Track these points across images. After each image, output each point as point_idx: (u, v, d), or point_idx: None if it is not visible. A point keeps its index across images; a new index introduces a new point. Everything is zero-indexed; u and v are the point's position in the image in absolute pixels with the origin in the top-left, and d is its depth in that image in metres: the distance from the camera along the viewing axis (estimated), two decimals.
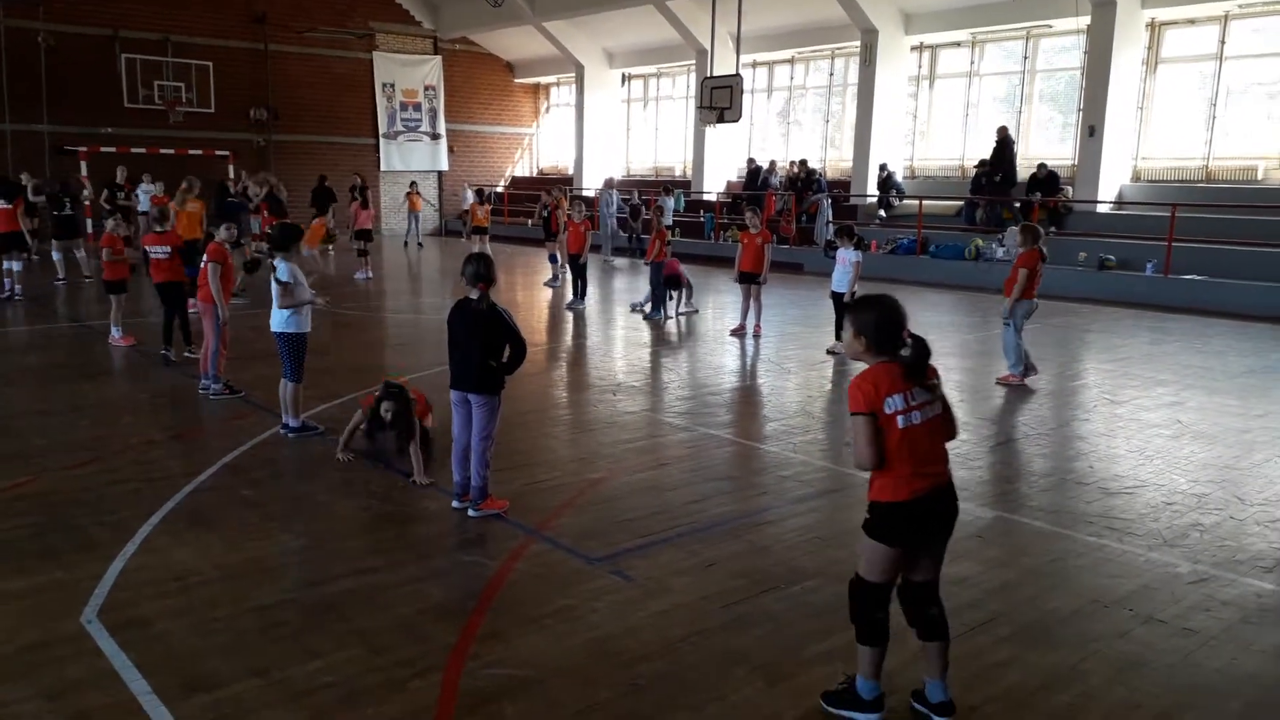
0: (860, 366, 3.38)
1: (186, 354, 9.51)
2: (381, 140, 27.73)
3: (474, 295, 5.22)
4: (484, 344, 5.19)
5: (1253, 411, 8.01)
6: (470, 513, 5.32)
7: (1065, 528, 5.29)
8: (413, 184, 24.87)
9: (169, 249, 9.37)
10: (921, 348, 3.24)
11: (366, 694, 3.53)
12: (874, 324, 3.26)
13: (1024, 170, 18.96)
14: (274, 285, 6.78)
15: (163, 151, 22.72)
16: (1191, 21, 17.32)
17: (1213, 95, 17.19)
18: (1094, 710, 3.49)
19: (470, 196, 23.50)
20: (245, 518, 5.32)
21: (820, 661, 3.79)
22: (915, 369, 3.23)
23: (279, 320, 6.83)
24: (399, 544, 4.96)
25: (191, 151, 23.24)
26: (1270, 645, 3.96)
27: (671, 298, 13.02)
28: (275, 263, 6.87)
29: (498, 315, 5.20)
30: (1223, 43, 16.96)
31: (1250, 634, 4.05)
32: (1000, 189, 18.56)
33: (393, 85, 27.73)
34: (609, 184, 23.46)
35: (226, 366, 8.24)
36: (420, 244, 24.14)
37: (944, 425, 3.33)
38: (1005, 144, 18.51)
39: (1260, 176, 16.62)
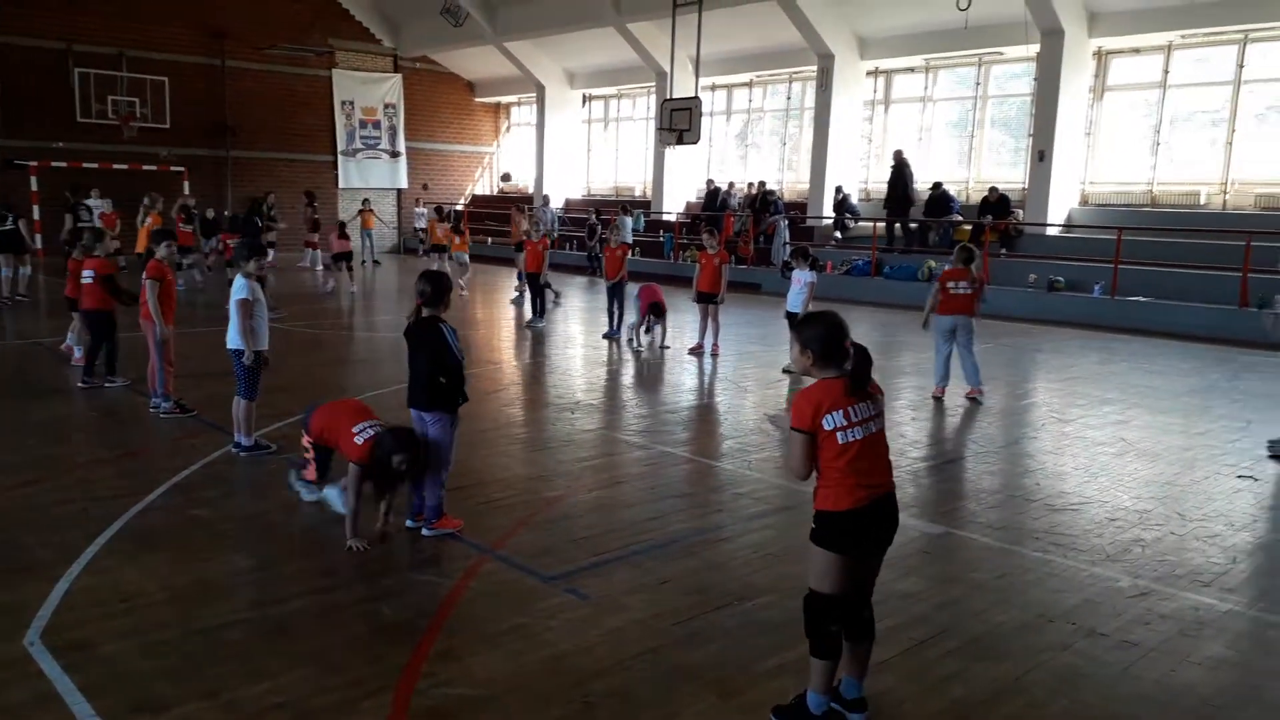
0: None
1: (106, 382, 8.94)
2: (340, 158, 27.60)
3: (426, 313, 5.24)
4: (428, 360, 5.19)
5: (1194, 429, 8.22)
6: (424, 532, 5.31)
7: (1012, 544, 5.40)
8: (365, 201, 24.79)
9: (93, 274, 8.72)
10: (862, 358, 3.34)
11: (318, 715, 3.51)
12: (818, 338, 3.36)
13: (975, 194, 19.37)
14: (231, 304, 6.73)
15: (116, 167, 22.42)
16: (1136, 51, 17.84)
17: (1157, 122, 17.70)
18: None
19: (424, 216, 23.65)
20: (195, 538, 5.26)
21: (771, 676, 3.83)
22: (858, 380, 3.32)
23: (235, 337, 6.77)
24: (352, 563, 4.93)
25: (145, 167, 22.96)
26: (1206, 657, 4.07)
27: (650, 325, 12.21)
28: (235, 281, 6.83)
29: (436, 330, 5.17)
30: (1166, 72, 17.48)
31: (1188, 646, 4.16)
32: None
33: (352, 103, 27.64)
34: (545, 202, 23.78)
35: (176, 384, 8.14)
36: (377, 261, 24.00)
37: (882, 437, 3.42)
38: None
39: (1203, 201, 17.12)
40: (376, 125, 28.27)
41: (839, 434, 3.28)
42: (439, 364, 5.17)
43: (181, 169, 23.39)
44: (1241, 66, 16.60)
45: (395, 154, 28.74)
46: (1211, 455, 7.38)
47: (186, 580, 4.67)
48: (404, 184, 28.97)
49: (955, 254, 9.42)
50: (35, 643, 3.96)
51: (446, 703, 3.61)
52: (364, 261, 23.90)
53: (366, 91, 27.92)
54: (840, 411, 3.29)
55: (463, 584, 4.69)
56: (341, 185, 27.65)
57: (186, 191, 22.48)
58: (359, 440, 5.10)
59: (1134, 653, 4.10)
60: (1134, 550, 5.31)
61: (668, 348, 12.09)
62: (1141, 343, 13.25)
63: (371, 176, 28.25)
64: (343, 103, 27.47)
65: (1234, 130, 16.85)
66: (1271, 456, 7.32)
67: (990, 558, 5.20)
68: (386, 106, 28.39)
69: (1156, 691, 3.79)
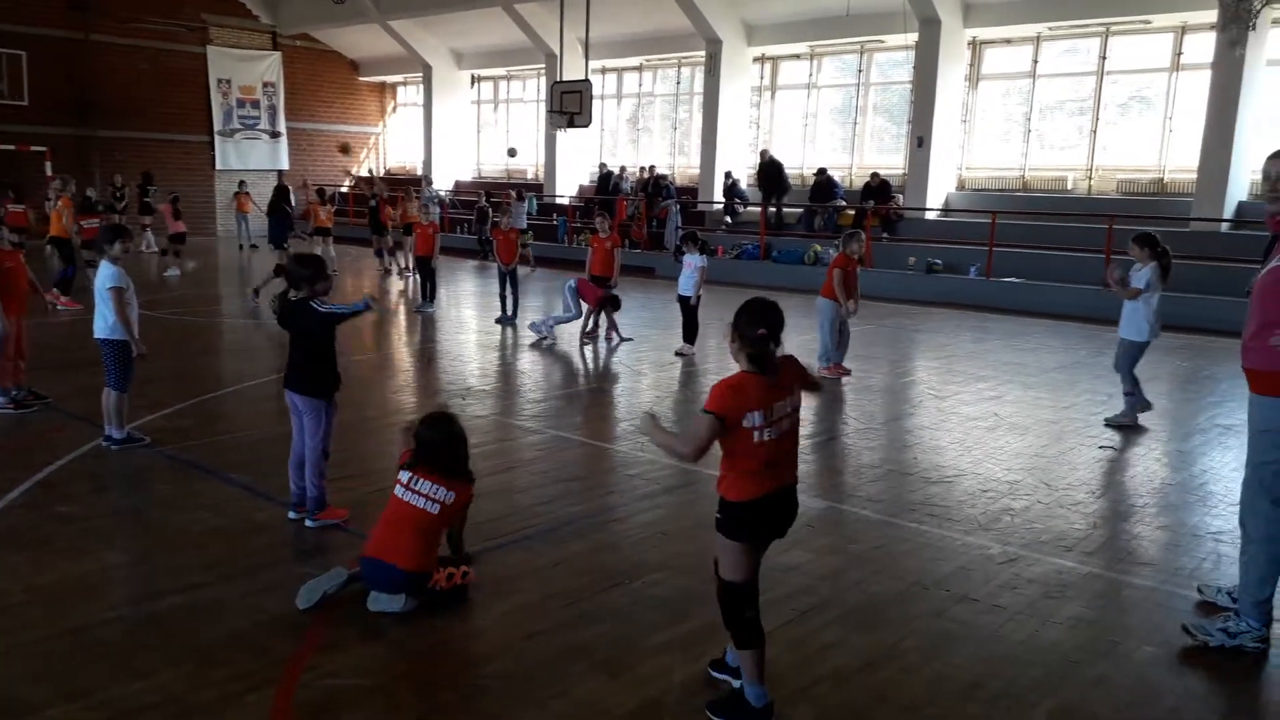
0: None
1: None
2: (217, 138, 26.53)
3: (300, 294, 5.08)
4: (304, 344, 5.08)
5: (1061, 404, 8.67)
6: (307, 523, 5.19)
7: (891, 516, 5.61)
8: (241, 184, 23.96)
9: None
10: (768, 355, 3.29)
11: (198, 711, 3.41)
12: (747, 325, 3.30)
13: (858, 179, 19.90)
14: (99, 291, 6.42)
15: None
16: (1008, 41, 18.59)
17: (1028, 110, 18.49)
18: (913, 684, 3.73)
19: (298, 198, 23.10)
20: (63, 536, 5.02)
21: (660, 652, 3.90)
22: (767, 367, 3.27)
23: (104, 326, 6.46)
24: (232, 557, 4.79)
25: (3, 147, 21.59)
26: (1067, 617, 4.32)
27: (600, 320, 11.46)
28: (101, 267, 6.51)
29: (308, 312, 5.03)
30: (1035, 62, 18.27)
31: (1051, 608, 4.41)
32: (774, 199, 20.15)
33: (229, 81, 26.57)
34: (428, 182, 23.59)
35: (34, 375, 7.74)
36: (254, 245, 23.21)
37: (795, 434, 3.41)
38: (767, 165, 19.91)
39: (1070, 187, 18.00)
40: (255, 105, 27.27)
41: (755, 433, 3.23)
42: (315, 347, 5.06)
43: (43, 149, 22.07)
44: (1104, 58, 17.48)
45: (275, 134, 27.79)
46: (1076, 428, 7.79)
47: (53, 579, 4.46)
48: (285, 165, 28.03)
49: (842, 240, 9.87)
50: None
51: (332, 693, 3.56)
52: (241, 246, 23.13)
53: (244, 69, 26.88)
54: (761, 411, 3.23)
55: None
56: (219, 167, 26.60)
57: (50, 172, 21.26)
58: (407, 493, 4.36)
59: (1002, 615, 4.32)
60: (1004, 519, 5.58)
61: (629, 339, 11.46)
62: (1014, 322, 13.87)
63: (251, 158, 27.24)
64: (219, 81, 26.38)
65: (1098, 119, 17.75)
66: (1107, 424, 7.80)
67: (870, 529, 5.40)
68: (265, 85, 27.40)
69: (1023, 651, 4.01)
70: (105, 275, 6.44)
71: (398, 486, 4.32)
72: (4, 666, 3.68)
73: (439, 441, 4.34)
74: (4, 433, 7.11)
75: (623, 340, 11.44)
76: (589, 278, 11.74)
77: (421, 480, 4.26)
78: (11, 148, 21.69)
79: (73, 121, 23.47)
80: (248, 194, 23.60)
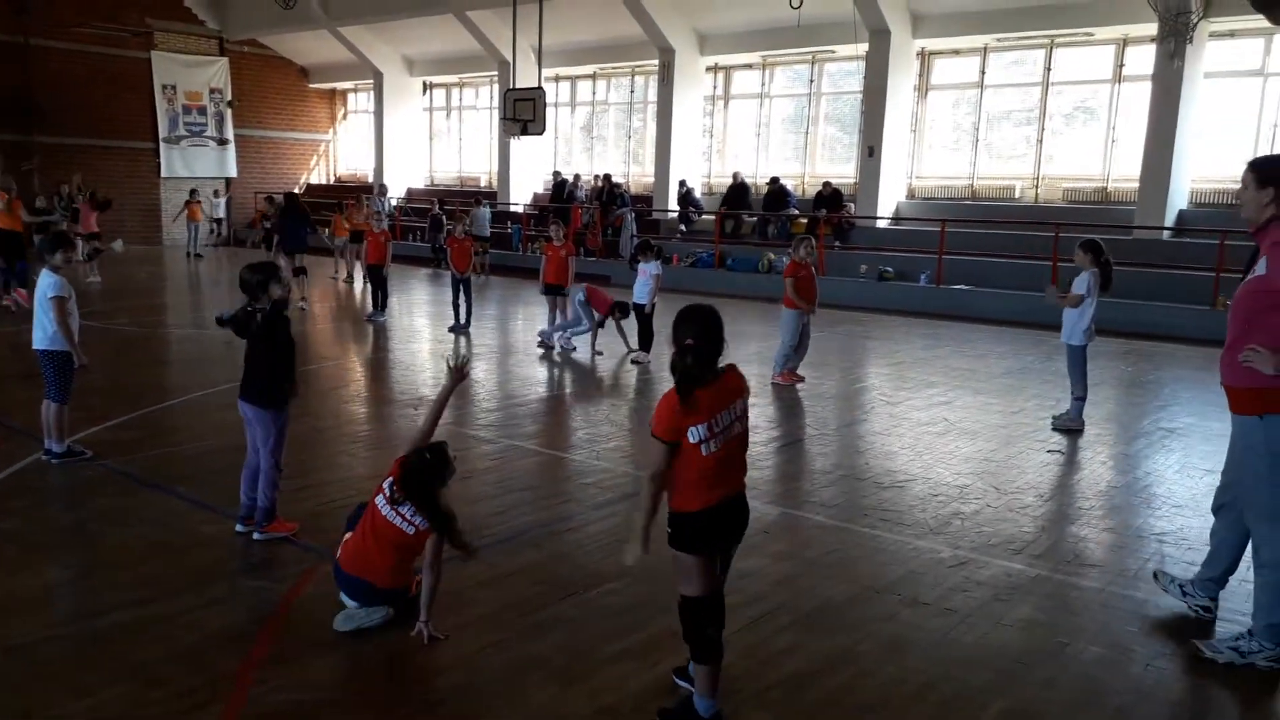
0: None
1: None
2: (162, 145, 26.02)
3: (259, 305, 5.02)
4: (261, 354, 5.01)
5: (1010, 409, 8.81)
6: (255, 535, 5.09)
7: (844, 521, 5.66)
8: (193, 192, 23.59)
9: None
10: (697, 360, 3.22)
11: None
12: (689, 336, 3.25)
13: (810, 188, 20.09)
14: (40, 301, 6.26)
15: None
16: (956, 52, 18.90)
17: (976, 120, 18.82)
18: (867, 688, 3.76)
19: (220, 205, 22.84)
20: (1, 551, 4.87)
21: (615, 660, 3.88)
22: (681, 391, 3.19)
23: (43, 337, 6.30)
24: (177, 572, 4.68)
25: None
26: (1017, 619, 4.38)
27: (611, 327, 11.14)
28: (42, 276, 6.35)
29: (266, 318, 4.98)
30: (983, 72, 18.60)
31: (1001, 610, 4.47)
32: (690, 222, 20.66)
33: (174, 87, 26.08)
34: (381, 190, 23.40)
35: None
36: (200, 254, 22.83)
37: (744, 440, 3.39)
38: (738, 185, 20.22)
39: (1018, 195, 18.34)
40: (202, 111, 26.79)
41: (701, 446, 3.21)
42: (267, 359, 4.98)
43: None
44: (1049, 69, 17.85)
45: (223, 141, 27.33)
46: (1025, 432, 7.92)
47: None
48: (233, 173, 27.58)
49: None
50: None
51: (282, 709, 3.49)
52: (188, 254, 22.76)
53: (190, 75, 26.40)
54: (704, 425, 3.20)
55: (298, 588, 4.54)
56: (165, 174, 26.08)
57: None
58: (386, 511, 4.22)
59: (954, 618, 4.37)
60: (954, 523, 5.65)
61: (635, 351, 10.91)
62: (963, 328, 14.08)
63: (197, 165, 26.74)
64: (164, 86, 25.87)
65: (1044, 128, 18.11)
66: (1054, 427, 7.96)
67: (823, 535, 5.43)
68: (212, 91, 26.94)
69: (974, 653, 4.05)
70: (46, 284, 6.28)
71: (380, 496, 4.19)
72: None
73: (424, 470, 4.17)
74: None
75: (595, 352, 11.04)
76: (543, 286, 11.70)
77: (406, 503, 4.12)
78: None
79: (13, 127, 22.87)
80: (199, 202, 23.21)
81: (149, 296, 15.85)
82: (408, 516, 4.12)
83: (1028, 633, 4.26)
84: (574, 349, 11.24)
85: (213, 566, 4.79)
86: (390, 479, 4.20)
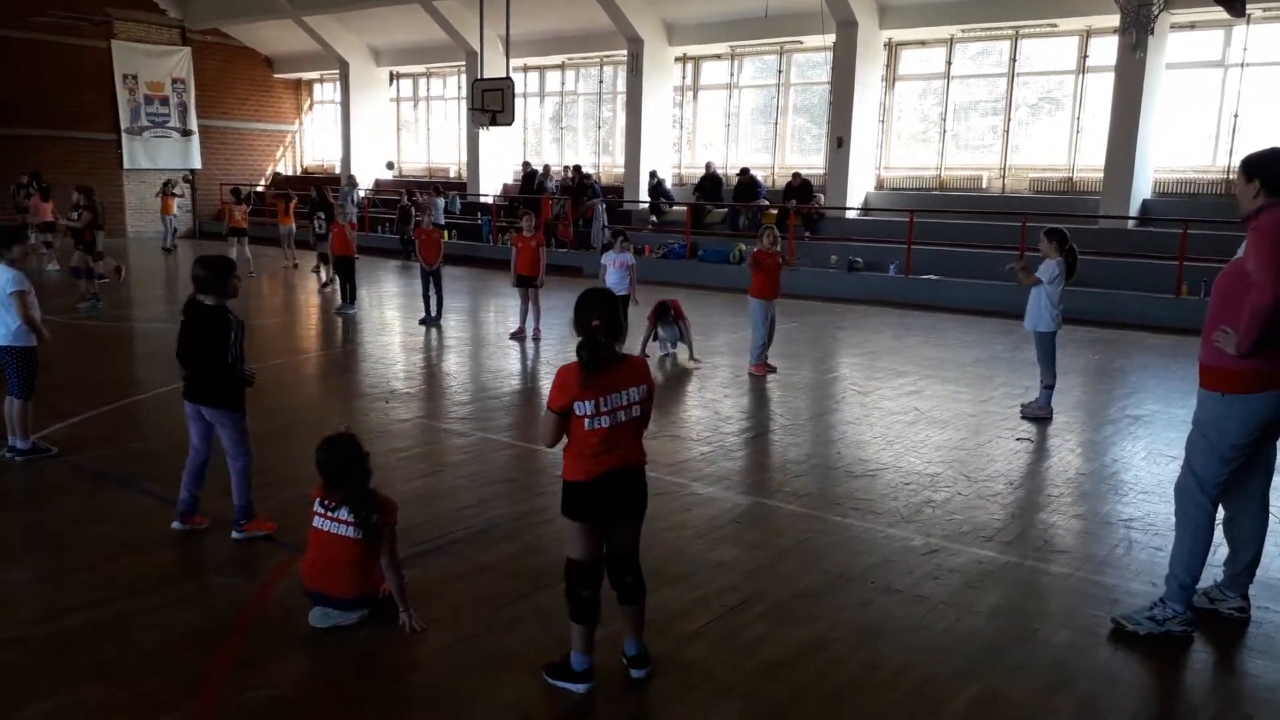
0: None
1: None
2: (124, 136, 25.62)
3: (207, 300, 4.85)
4: (209, 353, 4.81)
5: (980, 397, 8.88)
6: (234, 535, 5.00)
7: (816, 510, 5.68)
8: (168, 184, 23.11)
9: None
10: (592, 347, 3.39)
11: None
12: (582, 317, 3.45)
13: (780, 179, 20.13)
14: (0, 298, 6.13)
15: None
16: (923, 43, 18.99)
17: (944, 111, 18.93)
18: (840, 675, 3.78)
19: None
20: None
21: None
22: (591, 367, 3.39)
23: (4, 333, 6.17)
24: (144, 570, 4.61)
25: None
26: (987, 606, 4.42)
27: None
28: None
29: (220, 320, 4.81)
30: (949, 63, 18.71)
31: (972, 597, 4.51)
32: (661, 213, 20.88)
33: (135, 77, 25.67)
34: (351, 182, 23.24)
35: None
36: (173, 247, 22.50)
37: (640, 424, 3.55)
38: (709, 176, 20.35)
39: (985, 185, 18.47)
40: (165, 102, 26.39)
41: (586, 420, 3.41)
42: (217, 358, 4.81)
43: None
44: (1014, 60, 17.98)
45: (187, 132, 26.95)
46: (994, 420, 7.99)
47: None
48: (197, 164, 27.23)
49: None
50: None
51: (253, 709, 3.45)
52: (164, 248, 22.40)
53: (152, 65, 25.99)
54: (591, 401, 3.40)
55: (270, 585, 4.49)
56: (127, 166, 25.71)
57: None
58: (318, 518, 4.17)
59: (926, 606, 4.40)
60: (926, 511, 5.69)
61: (697, 362, 10.25)
62: (933, 318, 14.18)
63: (160, 157, 26.37)
64: (124, 76, 25.46)
65: (1010, 119, 18.26)
66: (1022, 416, 8.06)
67: (796, 524, 5.45)
68: (175, 82, 26.54)
69: (946, 640, 4.09)
70: (5, 279, 6.16)
71: (316, 517, 4.14)
72: None
73: (335, 464, 4.13)
74: None
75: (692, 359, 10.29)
76: (515, 278, 11.63)
77: (340, 507, 4.07)
78: None
79: None
80: (173, 195, 22.81)
81: (114, 289, 15.56)
82: (348, 519, 4.05)
83: (998, 619, 4.30)
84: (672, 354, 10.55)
85: (181, 564, 4.73)
86: (318, 497, 4.15)
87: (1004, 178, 18.36)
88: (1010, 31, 17.79)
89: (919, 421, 7.91)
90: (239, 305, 5.24)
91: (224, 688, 3.58)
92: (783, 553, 5.00)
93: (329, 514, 4.09)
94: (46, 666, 3.70)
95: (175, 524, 5.09)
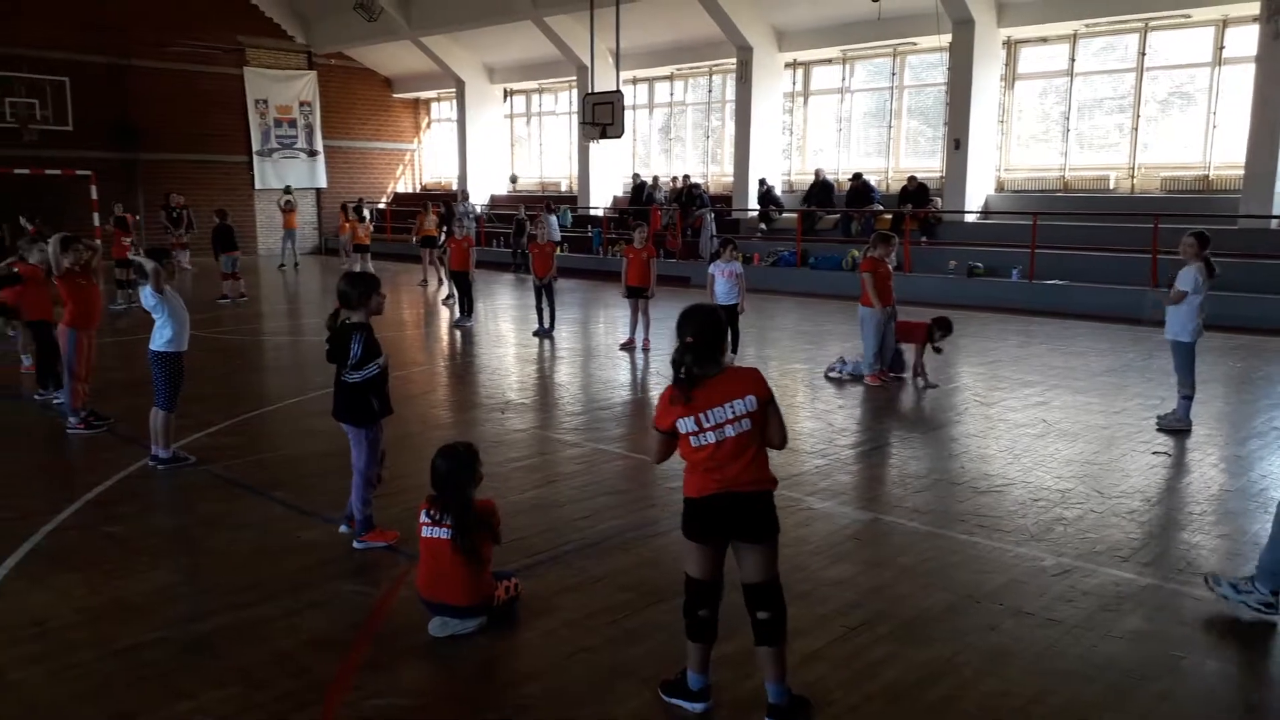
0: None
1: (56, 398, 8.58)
2: (255, 158, 26.90)
3: (353, 316, 5.03)
4: (342, 367, 5.01)
5: (1112, 409, 8.47)
6: (355, 545, 5.17)
7: (939, 527, 5.49)
8: (289, 194, 23.99)
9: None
10: (698, 358, 3.37)
11: None
12: (689, 333, 3.41)
13: (895, 183, 19.71)
14: (153, 306, 6.51)
15: (17, 172, 21.46)
16: (1044, 40, 18.32)
17: (1066, 109, 18.21)
18: (968, 700, 3.63)
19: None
20: (111, 556, 5.06)
21: (709, 669, 3.82)
22: (681, 387, 3.37)
23: (158, 340, 6.53)
24: (276, 576, 4.79)
25: (49, 171, 22.03)
26: (1126, 631, 4.19)
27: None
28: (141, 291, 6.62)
29: (348, 335, 4.96)
30: (1073, 60, 17.98)
31: (1109, 621, 4.28)
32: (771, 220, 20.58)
33: (266, 101, 26.93)
34: (463, 196, 23.70)
35: (94, 396, 7.87)
36: (296, 264, 23.43)
37: (758, 438, 3.40)
38: (821, 183, 19.95)
39: (1112, 186, 17.66)
40: (292, 124, 27.61)
41: (691, 438, 3.39)
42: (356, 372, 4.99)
43: (89, 173, 22.48)
44: (1143, 54, 17.16)
45: (313, 153, 28.12)
46: (1128, 433, 7.60)
47: (102, 600, 4.49)
48: (323, 183, 28.37)
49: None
50: None
51: (376, 714, 3.53)
52: (281, 266, 23.23)
53: (280, 89, 27.24)
54: (692, 418, 3.37)
55: (392, 593, 4.60)
56: (258, 186, 26.97)
57: (95, 196, 21.68)
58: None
59: (1058, 630, 4.19)
60: (1056, 529, 5.44)
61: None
62: (1059, 325, 13.62)
63: (289, 176, 27.56)
64: (256, 101, 26.75)
65: (1139, 115, 17.42)
66: (1159, 428, 7.64)
67: (918, 542, 5.28)
68: (302, 104, 27.74)
69: (1080, 666, 3.88)
70: (146, 292, 6.54)
71: (424, 527, 4.22)
72: (54, 688, 3.69)
73: (446, 472, 4.23)
74: (60, 452, 7.22)
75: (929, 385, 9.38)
76: (625, 289, 11.69)
77: (445, 515, 4.16)
78: (58, 172, 22.13)
79: (115, 146, 23.90)
80: (293, 209, 23.69)
81: (249, 305, 16.34)
82: (449, 524, 4.14)
83: (1138, 645, 4.06)
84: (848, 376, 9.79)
85: (309, 570, 4.89)
86: (425, 508, 4.24)
87: (1133, 177, 17.52)
88: (1139, 24, 16.99)
89: (1047, 434, 7.59)
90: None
91: (351, 692, 3.67)
92: (904, 571, 4.85)
93: (436, 522, 4.17)
94: (187, 666, 3.87)
95: (341, 527, 5.28)
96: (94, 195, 21.43)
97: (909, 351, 9.73)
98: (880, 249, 9.55)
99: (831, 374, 9.90)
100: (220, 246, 16.77)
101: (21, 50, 22.13)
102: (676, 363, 3.40)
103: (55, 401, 8.41)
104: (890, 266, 9.62)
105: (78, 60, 23.10)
